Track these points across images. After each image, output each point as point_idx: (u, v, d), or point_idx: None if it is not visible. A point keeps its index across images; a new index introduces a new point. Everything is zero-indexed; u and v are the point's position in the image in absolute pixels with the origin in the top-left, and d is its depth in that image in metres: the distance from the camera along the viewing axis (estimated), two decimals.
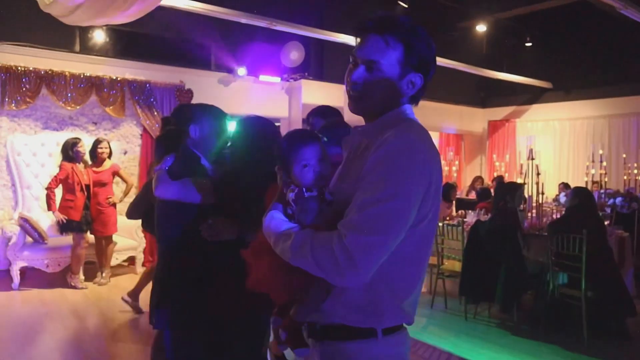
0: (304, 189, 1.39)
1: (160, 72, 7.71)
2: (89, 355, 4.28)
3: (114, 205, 6.25)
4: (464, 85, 11.64)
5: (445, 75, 10.22)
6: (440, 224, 5.63)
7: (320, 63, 9.57)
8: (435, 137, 12.36)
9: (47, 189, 6.00)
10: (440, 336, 4.78)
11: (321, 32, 8.11)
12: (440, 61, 8.09)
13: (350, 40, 7.78)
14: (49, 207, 5.99)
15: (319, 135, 1.56)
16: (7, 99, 6.55)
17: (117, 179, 6.53)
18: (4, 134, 6.69)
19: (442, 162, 8.00)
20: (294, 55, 8.75)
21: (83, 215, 6.05)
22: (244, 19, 7.17)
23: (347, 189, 1.31)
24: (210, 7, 6.67)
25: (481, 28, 10.61)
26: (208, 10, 6.70)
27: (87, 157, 6.25)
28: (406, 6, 8.69)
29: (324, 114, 2.84)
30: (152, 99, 7.50)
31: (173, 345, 2.46)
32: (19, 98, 6.60)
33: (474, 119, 12.51)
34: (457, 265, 5.55)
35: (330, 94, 8.43)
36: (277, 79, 9.03)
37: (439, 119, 11.45)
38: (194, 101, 7.94)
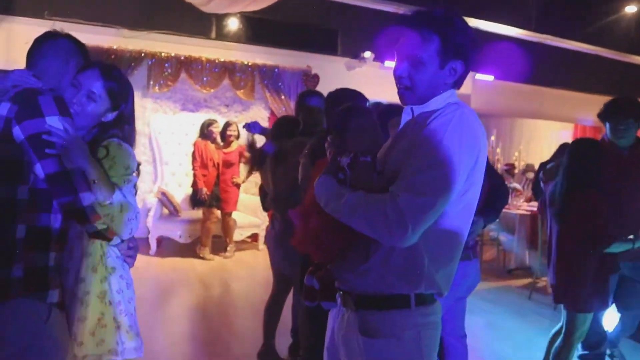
0: (359, 154, 1.46)
1: (288, 57, 7.96)
2: (211, 320, 4.60)
3: (238, 185, 6.61)
4: (608, 73, 10.68)
5: (586, 61, 9.48)
6: None
7: None
8: (568, 129, 11.53)
9: (192, 169, 6.50)
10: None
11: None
12: (581, 47, 7.47)
13: (481, 24, 7.48)
14: (197, 184, 6.46)
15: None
16: (152, 82, 7.18)
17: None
18: (148, 114, 7.33)
19: None
20: None
21: (213, 191, 6.48)
22: (368, 3, 7.16)
23: (396, 160, 1.43)
24: None
25: (631, 9, 9.65)
26: None
27: (218, 138, 6.65)
28: None
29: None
30: (280, 83, 7.79)
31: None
32: (161, 82, 7.20)
33: None
34: None
35: None
36: None
37: (575, 110, 10.63)
38: (320, 86, 8.12)
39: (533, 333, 4.33)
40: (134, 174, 1.83)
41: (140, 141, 7.27)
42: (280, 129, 3.47)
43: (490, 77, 9.15)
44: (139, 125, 7.24)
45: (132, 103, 1.93)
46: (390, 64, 7.94)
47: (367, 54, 8.40)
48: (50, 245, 1.63)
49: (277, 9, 6.44)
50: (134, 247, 1.94)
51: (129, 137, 1.89)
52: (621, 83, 11.33)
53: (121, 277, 1.88)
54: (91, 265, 1.80)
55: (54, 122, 1.56)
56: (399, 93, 1.52)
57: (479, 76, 9.02)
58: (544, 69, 9.60)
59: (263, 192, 3.67)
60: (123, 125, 1.87)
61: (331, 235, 1.46)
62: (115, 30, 7.04)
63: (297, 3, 7.14)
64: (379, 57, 8.55)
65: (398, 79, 1.49)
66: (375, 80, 8.60)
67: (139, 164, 1.94)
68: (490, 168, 2.52)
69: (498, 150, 8.53)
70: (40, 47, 1.79)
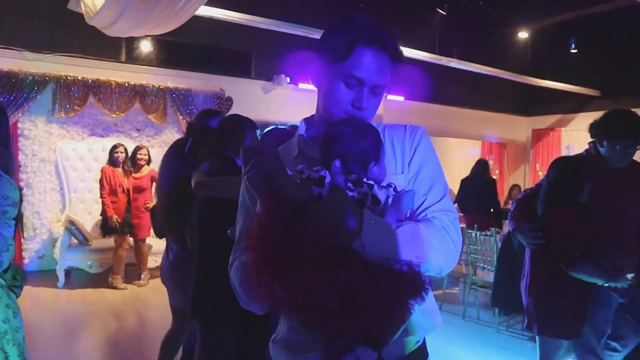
0: (394, 185, 1.19)
1: (201, 80, 7.94)
2: (124, 353, 4.44)
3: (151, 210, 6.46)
4: (507, 93, 11.43)
5: (487, 82, 10.10)
6: (473, 233, 5.57)
7: None
8: (477, 145, 12.18)
9: (100, 197, 6.30)
10: (470, 348, 4.71)
11: None
12: (482, 69, 7.96)
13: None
14: (106, 212, 6.25)
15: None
16: (57, 107, 6.91)
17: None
18: (53, 140, 7.03)
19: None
20: None
21: (125, 217, 6.29)
22: (281, 27, 7.29)
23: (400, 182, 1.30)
24: (246, 16, 6.80)
25: (523, 35, 10.41)
26: (245, 20, 6.85)
27: (128, 163, 6.49)
28: (445, 13, 8.64)
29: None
30: (192, 107, 7.73)
31: (206, 338, 2.54)
32: (68, 106, 6.95)
33: (517, 128, 12.25)
34: (489, 276, 5.47)
35: None
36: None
37: (481, 127, 11.29)
38: (233, 109, 8.13)
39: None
40: (14, 204, 1.77)
41: (46, 168, 6.97)
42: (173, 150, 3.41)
43: (400, 98, 9.52)
44: (43, 151, 6.96)
45: (5, 126, 1.87)
46: (305, 86, 8.07)
47: (284, 79, 8.52)
48: None
49: (188, 32, 6.43)
50: (21, 277, 1.88)
51: (8, 163, 1.84)
52: (519, 101, 12.18)
53: (7, 306, 1.81)
54: None
55: None
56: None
57: (390, 97, 9.37)
58: (450, 90, 10.15)
59: (153, 215, 3.53)
60: None
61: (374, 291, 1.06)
62: (17, 53, 6.74)
63: (209, 26, 7.14)
64: (294, 80, 8.70)
65: (358, 109, 1.29)
66: (289, 102, 8.79)
67: (21, 191, 1.89)
68: None
69: None
70: None
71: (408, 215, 1.20)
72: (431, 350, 1.39)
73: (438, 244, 1.16)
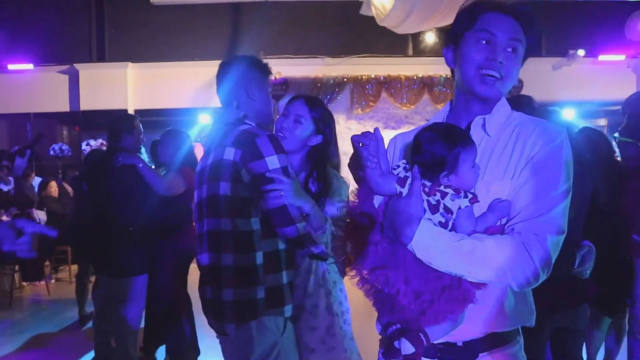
0: (471, 193, 1.17)
1: None
2: None
3: None
4: None
5: None
6: None
7: None
8: None
9: None
10: None
11: None
12: None
13: None
14: None
15: None
16: (355, 105, 7.57)
17: None
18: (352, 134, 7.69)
19: None
20: None
21: None
22: None
23: (499, 187, 1.22)
24: None
25: None
26: None
27: None
28: None
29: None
30: None
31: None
32: (363, 103, 7.55)
33: None
34: None
35: None
36: (622, 57, 8.01)
37: None
38: (525, 90, 7.70)
39: None
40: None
41: (347, 161, 7.67)
42: None
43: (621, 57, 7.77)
44: (345, 146, 7.65)
45: (333, 128, 2.11)
46: (606, 57, 7.18)
47: (580, 52, 7.71)
48: (283, 266, 1.84)
49: None
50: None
51: (334, 159, 2.10)
52: None
53: (341, 290, 2.02)
54: (316, 280, 1.99)
55: (272, 161, 1.76)
56: (484, 85, 1.25)
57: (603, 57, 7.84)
58: None
59: None
60: (329, 147, 2.07)
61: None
62: (319, 60, 7.59)
63: None
64: (591, 52, 7.80)
65: (498, 64, 1.23)
66: (588, 78, 7.91)
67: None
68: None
69: None
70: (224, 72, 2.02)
71: (501, 223, 1.19)
72: None
73: (504, 261, 1.13)
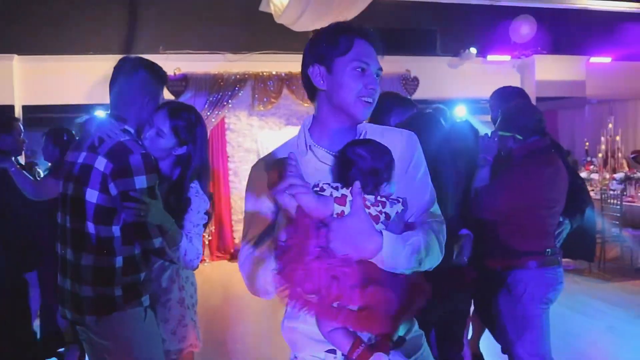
0: (401, 198, 1.27)
1: (386, 62, 7.91)
2: None
3: None
4: None
5: None
6: None
7: (555, 35, 8.75)
8: None
9: None
10: None
11: (554, 1, 7.45)
12: None
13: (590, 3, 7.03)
14: None
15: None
16: (256, 101, 7.58)
17: None
18: (255, 131, 7.72)
19: None
20: (524, 29, 8.17)
21: None
22: None
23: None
24: None
25: None
26: None
27: None
28: None
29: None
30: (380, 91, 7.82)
31: None
32: (265, 99, 7.56)
33: None
34: None
35: (567, 68, 7.73)
36: (507, 57, 8.55)
37: None
38: (420, 89, 8.05)
39: None
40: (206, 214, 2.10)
41: (249, 157, 7.67)
42: None
43: (607, 59, 8.48)
44: (247, 142, 7.68)
45: (201, 135, 2.10)
46: (494, 57, 7.56)
47: (472, 50, 8.10)
48: (141, 268, 1.98)
49: (370, 16, 6.44)
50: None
51: (203, 166, 2.11)
52: None
53: (192, 283, 2.26)
54: (170, 276, 2.18)
55: (140, 181, 1.85)
56: (364, 109, 1.37)
57: (594, 59, 8.41)
58: None
59: None
60: (195, 156, 2.08)
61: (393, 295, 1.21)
62: (220, 56, 7.52)
63: (390, 8, 7.13)
64: (481, 52, 8.27)
65: (373, 92, 1.37)
66: (478, 76, 8.38)
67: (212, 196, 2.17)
68: (569, 168, 2.38)
69: (617, 138, 7.83)
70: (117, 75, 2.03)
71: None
72: None
73: (434, 249, 1.29)
